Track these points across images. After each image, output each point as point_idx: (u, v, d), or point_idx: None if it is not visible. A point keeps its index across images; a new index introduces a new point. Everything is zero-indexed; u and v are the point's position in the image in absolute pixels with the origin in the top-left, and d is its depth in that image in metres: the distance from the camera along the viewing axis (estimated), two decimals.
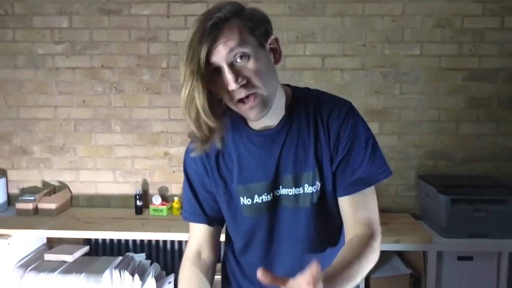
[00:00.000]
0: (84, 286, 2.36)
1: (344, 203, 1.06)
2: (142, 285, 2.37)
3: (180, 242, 2.76)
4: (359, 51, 2.72)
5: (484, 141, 2.74)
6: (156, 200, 2.74)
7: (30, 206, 2.66)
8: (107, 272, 2.36)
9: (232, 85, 0.93)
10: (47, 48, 2.82)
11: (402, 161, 2.74)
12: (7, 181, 2.88)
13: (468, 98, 2.72)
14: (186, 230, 1.19)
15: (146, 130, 2.85)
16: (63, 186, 2.89)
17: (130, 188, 2.87)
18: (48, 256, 2.58)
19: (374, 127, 2.54)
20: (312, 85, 2.04)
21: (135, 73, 2.81)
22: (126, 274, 2.35)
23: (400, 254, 2.54)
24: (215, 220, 1.17)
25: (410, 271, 2.43)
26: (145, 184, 2.87)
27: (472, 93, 2.72)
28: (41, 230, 2.46)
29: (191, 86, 0.92)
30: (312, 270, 0.74)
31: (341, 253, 0.98)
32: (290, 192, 1.07)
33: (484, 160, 2.74)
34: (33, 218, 2.63)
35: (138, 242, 2.80)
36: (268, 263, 1.11)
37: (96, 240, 2.79)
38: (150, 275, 2.42)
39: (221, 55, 0.93)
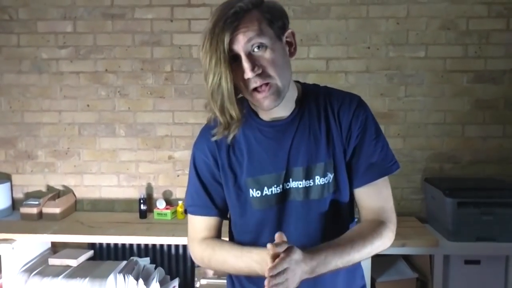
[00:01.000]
0: None
1: (360, 194, 1.09)
2: None
3: (184, 246, 2.75)
4: (363, 54, 2.71)
5: (491, 144, 2.71)
6: (161, 204, 2.74)
7: (34, 210, 2.66)
8: (111, 276, 2.35)
9: (248, 74, 0.97)
10: (52, 53, 2.83)
11: (408, 164, 2.72)
12: (11, 185, 2.88)
13: (474, 100, 2.70)
14: None
15: (150, 134, 2.85)
16: (67, 191, 2.89)
17: (134, 192, 2.87)
18: (53, 261, 2.58)
19: None
20: None
21: (139, 77, 2.82)
22: (131, 279, 2.34)
23: (406, 258, 2.52)
24: (224, 213, 1.17)
25: (417, 275, 2.40)
26: (149, 188, 2.87)
27: (478, 95, 2.70)
28: (45, 235, 2.46)
29: (218, 73, 0.96)
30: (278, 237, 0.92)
31: (345, 234, 1.04)
32: (300, 184, 1.08)
33: (490, 163, 2.72)
34: (38, 223, 2.62)
35: (142, 246, 2.79)
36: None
37: (101, 244, 2.79)
38: (155, 279, 2.42)
39: (240, 44, 0.96)
